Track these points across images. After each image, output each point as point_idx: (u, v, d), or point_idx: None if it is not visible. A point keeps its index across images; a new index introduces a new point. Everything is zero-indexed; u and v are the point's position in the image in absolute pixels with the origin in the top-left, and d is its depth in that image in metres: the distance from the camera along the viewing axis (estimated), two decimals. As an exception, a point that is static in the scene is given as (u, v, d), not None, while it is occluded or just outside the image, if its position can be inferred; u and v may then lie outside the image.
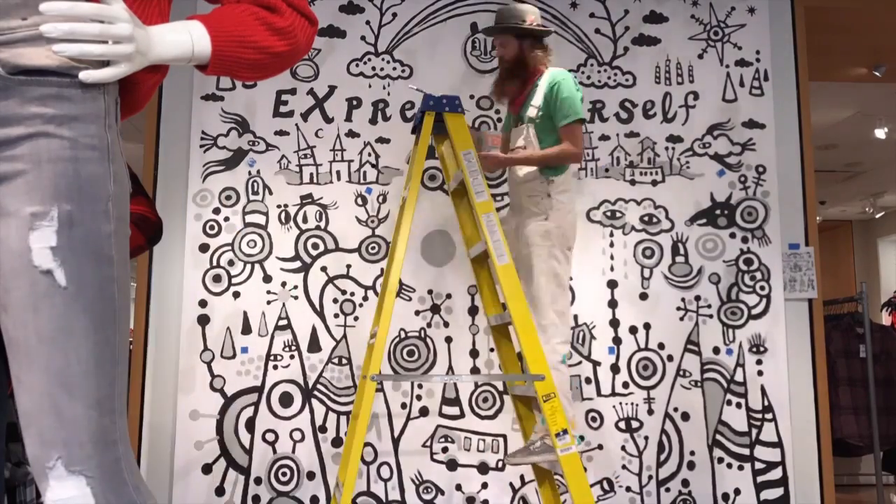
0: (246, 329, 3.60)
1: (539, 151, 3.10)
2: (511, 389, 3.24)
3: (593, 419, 3.62)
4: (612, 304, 3.70)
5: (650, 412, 3.66)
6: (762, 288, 3.75)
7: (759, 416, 3.67)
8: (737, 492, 3.62)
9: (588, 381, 3.66)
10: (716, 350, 3.70)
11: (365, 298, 3.65)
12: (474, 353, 3.65)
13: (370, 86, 3.81)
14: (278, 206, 3.70)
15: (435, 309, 3.67)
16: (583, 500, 2.71)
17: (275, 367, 3.59)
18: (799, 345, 3.73)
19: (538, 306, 3.01)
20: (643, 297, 3.72)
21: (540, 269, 3.03)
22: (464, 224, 3.30)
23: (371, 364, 2.82)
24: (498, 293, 3.24)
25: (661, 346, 3.70)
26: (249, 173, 3.72)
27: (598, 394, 3.65)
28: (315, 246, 3.68)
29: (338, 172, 3.75)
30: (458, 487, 3.56)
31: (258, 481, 3.51)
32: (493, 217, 2.90)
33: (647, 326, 3.69)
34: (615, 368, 3.64)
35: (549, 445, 2.89)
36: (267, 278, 3.64)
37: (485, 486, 3.57)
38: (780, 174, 3.85)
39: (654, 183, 3.79)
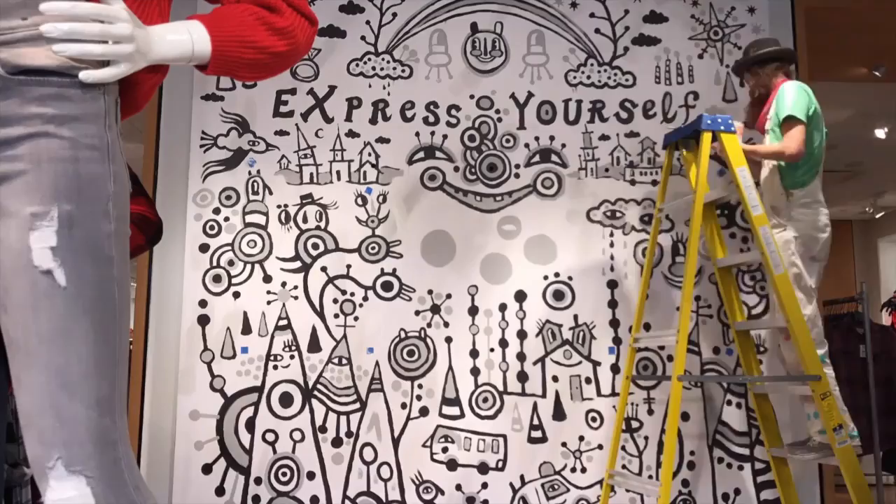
0: (246, 329, 3.60)
1: (758, 147, 3.32)
2: (752, 388, 3.36)
3: (593, 419, 3.62)
4: (612, 304, 3.70)
5: (650, 412, 3.66)
6: (762, 288, 3.75)
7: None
8: (737, 492, 3.61)
9: (588, 381, 3.66)
10: (716, 350, 3.70)
11: (365, 298, 3.65)
12: (474, 353, 3.65)
13: (370, 86, 3.81)
14: (278, 206, 3.70)
15: (435, 309, 3.67)
16: (859, 490, 2.87)
17: (275, 368, 3.59)
18: (799, 345, 3.73)
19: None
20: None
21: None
22: (711, 236, 3.44)
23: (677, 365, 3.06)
24: (743, 301, 3.52)
25: (661, 346, 3.70)
26: (249, 173, 3.71)
27: (598, 394, 3.65)
28: (315, 246, 3.68)
29: (338, 172, 3.74)
30: (458, 487, 3.56)
31: (258, 481, 3.51)
32: (767, 230, 3.09)
33: (647, 327, 3.69)
34: (615, 368, 3.64)
35: (825, 443, 3.08)
36: (267, 278, 3.64)
37: (485, 486, 3.57)
38: (780, 174, 3.84)
39: (654, 183, 3.79)
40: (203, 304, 3.60)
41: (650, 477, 3.60)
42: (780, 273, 3.02)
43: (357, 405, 3.58)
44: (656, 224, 3.50)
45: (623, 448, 3.61)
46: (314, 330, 3.62)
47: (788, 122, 3.24)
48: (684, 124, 3.62)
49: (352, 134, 3.77)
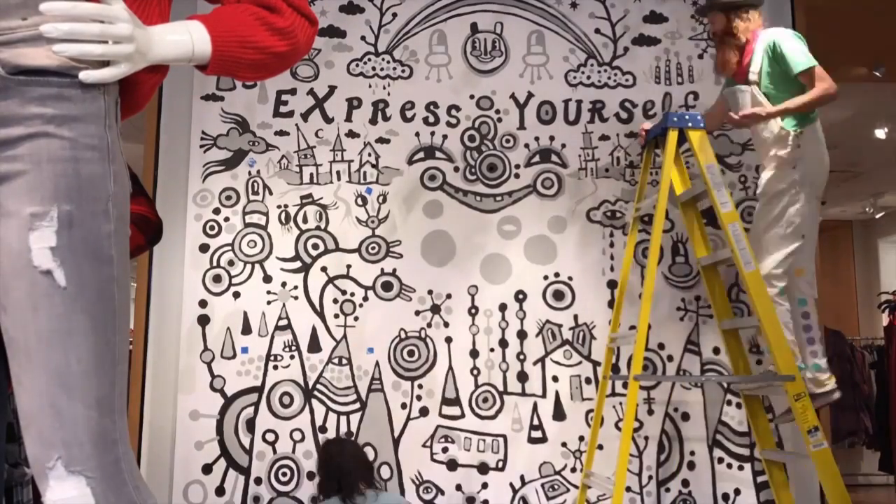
0: (246, 329, 3.60)
1: (798, 99, 3.18)
2: (742, 390, 3.31)
3: (593, 419, 3.61)
4: (612, 304, 3.70)
5: (650, 412, 3.66)
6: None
7: (759, 416, 3.66)
8: (737, 492, 3.61)
9: (588, 381, 3.66)
10: (716, 350, 3.70)
11: (365, 299, 3.65)
12: (474, 353, 3.65)
13: (370, 86, 3.81)
14: (278, 207, 3.70)
15: (435, 309, 3.67)
16: (836, 496, 2.81)
17: (275, 368, 3.59)
18: (799, 345, 3.73)
19: (762, 251, 3.20)
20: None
21: (775, 216, 3.21)
22: (693, 234, 3.42)
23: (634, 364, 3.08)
24: (730, 299, 3.49)
25: (661, 346, 3.70)
26: (249, 173, 3.72)
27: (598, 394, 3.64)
28: (315, 246, 3.68)
29: (338, 172, 3.74)
30: (458, 487, 3.56)
31: (258, 481, 3.51)
32: (738, 227, 3.06)
33: (647, 326, 3.68)
34: (615, 369, 3.64)
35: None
36: (267, 278, 3.64)
37: (485, 486, 3.57)
38: (780, 174, 3.84)
39: (654, 183, 3.79)
40: (203, 304, 3.60)
41: (650, 478, 3.61)
42: (751, 270, 2.99)
43: (357, 405, 3.58)
44: (634, 224, 3.49)
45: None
46: (314, 330, 3.62)
47: (810, 71, 3.19)
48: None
49: (352, 134, 3.77)
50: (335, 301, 3.64)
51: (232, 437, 3.53)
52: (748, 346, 3.54)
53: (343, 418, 3.57)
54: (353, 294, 3.65)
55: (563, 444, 3.61)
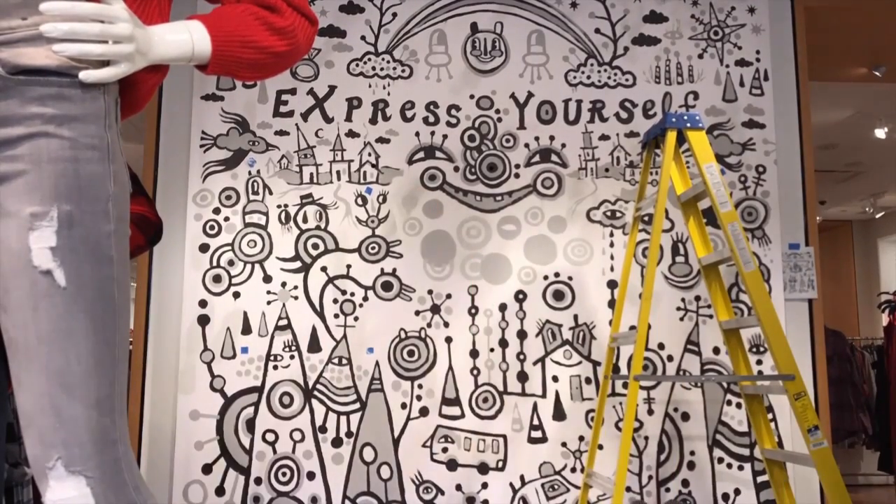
0: (246, 329, 3.60)
1: None
2: (743, 389, 3.28)
3: (593, 419, 3.62)
4: (612, 304, 3.70)
5: (650, 412, 3.66)
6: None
7: (759, 416, 3.66)
8: (737, 492, 3.62)
9: (588, 381, 3.66)
10: (716, 350, 3.70)
11: (365, 299, 3.65)
12: (474, 354, 3.65)
13: (370, 86, 3.81)
14: (278, 207, 3.70)
15: (435, 309, 3.67)
16: (836, 495, 2.80)
17: (275, 368, 3.59)
18: (799, 345, 3.73)
19: None
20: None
21: None
22: (693, 234, 3.38)
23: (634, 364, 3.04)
24: (730, 298, 3.44)
25: (661, 346, 3.70)
26: (249, 173, 3.72)
27: (598, 394, 3.64)
28: (315, 246, 3.68)
29: (338, 172, 3.75)
30: (458, 487, 3.56)
31: (258, 481, 3.51)
32: (737, 226, 3.03)
33: (647, 326, 3.68)
34: (615, 369, 3.64)
35: None
36: (267, 278, 3.64)
37: (485, 486, 3.57)
38: (780, 174, 3.85)
39: (655, 183, 3.79)
40: (203, 304, 3.61)
41: (650, 478, 3.61)
42: (751, 270, 2.99)
43: (357, 405, 3.58)
44: (635, 224, 3.49)
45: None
46: (314, 330, 3.62)
47: None
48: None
49: (352, 134, 3.77)
50: (335, 301, 3.64)
51: (232, 437, 3.53)
52: (749, 346, 3.54)
53: (343, 418, 3.57)
54: (353, 294, 3.65)
55: (563, 444, 3.61)
